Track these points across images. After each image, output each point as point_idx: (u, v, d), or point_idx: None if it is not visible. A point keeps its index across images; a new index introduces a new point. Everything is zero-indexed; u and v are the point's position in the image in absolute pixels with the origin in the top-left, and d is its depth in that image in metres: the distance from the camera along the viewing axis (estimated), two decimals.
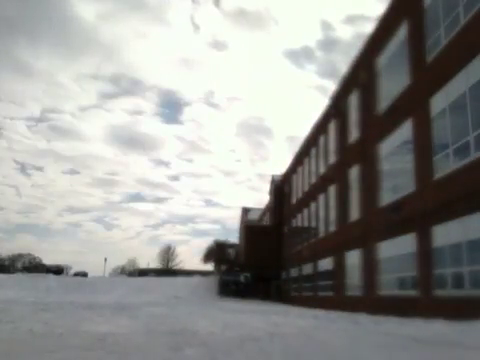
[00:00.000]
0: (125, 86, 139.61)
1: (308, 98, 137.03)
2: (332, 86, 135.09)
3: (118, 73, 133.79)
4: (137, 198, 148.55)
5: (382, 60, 18.00)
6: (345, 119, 22.58)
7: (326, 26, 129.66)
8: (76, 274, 50.10)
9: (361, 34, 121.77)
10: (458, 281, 11.54)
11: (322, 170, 26.78)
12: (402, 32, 15.94)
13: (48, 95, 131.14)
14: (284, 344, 6.28)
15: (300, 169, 33.62)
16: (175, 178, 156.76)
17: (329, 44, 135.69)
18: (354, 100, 21.41)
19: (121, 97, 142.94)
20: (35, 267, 78.13)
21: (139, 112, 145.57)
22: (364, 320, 11.97)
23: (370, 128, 18.77)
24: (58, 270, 49.51)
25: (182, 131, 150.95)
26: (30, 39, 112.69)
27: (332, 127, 25.06)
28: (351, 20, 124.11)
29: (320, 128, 28.09)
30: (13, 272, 61.25)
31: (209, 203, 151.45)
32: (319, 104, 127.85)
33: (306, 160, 31.69)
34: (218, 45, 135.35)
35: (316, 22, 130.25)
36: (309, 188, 30.16)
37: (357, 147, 20.34)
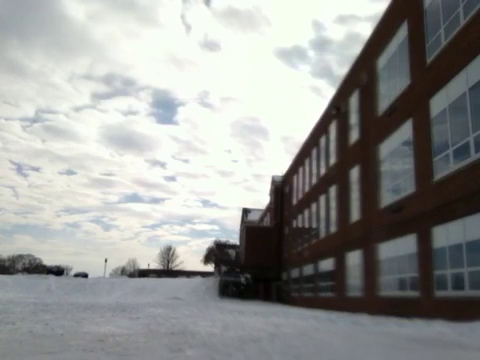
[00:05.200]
0: (118, 86, 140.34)
1: (302, 98, 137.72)
2: (326, 86, 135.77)
3: (111, 73, 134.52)
4: (134, 199, 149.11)
5: (382, 61, 18.01)
6: (346, 120, 22.59)
7: (318, 26, 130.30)
8: (76, 275, 50.02)
9: (353, 34, 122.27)
10: (458, 282, 11.53)
11: (323, 171, 26.79)
12: (402, 33, 15.96)
13: (42, 95, 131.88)
14: (284, 345, 6.28)
15: (301, 170, 33.63)
16: (171, 179, 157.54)
17: (321, 44, 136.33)
18: (354, 101, 21.43)
19: (114, 97, 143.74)
20: (35, 268, 78.18)
21: (133, 112, 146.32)
22: (364, 321, 11.97)
23: (370, 129, 18.77)
24: (58, 271, 49.51)
25: (177, 131, 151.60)
26: (22, 40, 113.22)
27: (333, 128, 25.08)
28: (343, 20, 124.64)
29: (321, 129, 28.11)
30: (13, 273, 61.25)
31: (206, 204, 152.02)
32: (313, 104, 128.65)
33: (307, 161, 31.70)
34: (210, 45, 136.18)
35: (308, 22, 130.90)
36: (310, 189, 30.16)
37: (357, 148, 20.35)
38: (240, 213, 61.07)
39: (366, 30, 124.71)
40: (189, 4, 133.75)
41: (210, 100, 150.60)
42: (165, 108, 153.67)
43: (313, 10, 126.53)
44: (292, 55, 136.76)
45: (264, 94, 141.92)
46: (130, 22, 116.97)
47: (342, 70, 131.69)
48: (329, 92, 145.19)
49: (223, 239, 64.51)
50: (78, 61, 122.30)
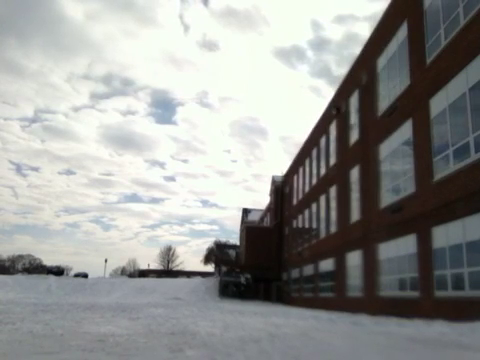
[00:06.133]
0: (117, 86, 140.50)
1: (301, 98, 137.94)
2: (324, 86, 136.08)
3: (109, 73, 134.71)
4: (133, 199, 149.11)
5: (382, 61, 18.02)
6: (346, 120, 22.60)
7: (316, 26, 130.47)
8: (76, 275, 50.02)
9: (352, 34, 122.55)
10: (458, 282, 11.53)
11: (323, 171, 26.79)
12: (402, 33, 15.96)
13: (41, 95, 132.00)
14: (284, 345, 6.29)
15: (301, 170, 33.64)
16: (171, 179, 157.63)
17: (320, 44, 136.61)
18: (354, 101, 21.43)
19: (113, 97, 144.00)
20: (35, 268, 78.17)
21: (132, 112, 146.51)
22: (365, 321, 11.98)
23: (370, 129, 18.78)
24: (58, 271, 49.50)
25: (176, 131, 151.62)
26: (21, 40, 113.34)
27: (333, 128, 25.08)
28: (341, 20, 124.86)
29: (321, 129, 28.12)
30: (13, 273, 61.25)
31: (206, 204, 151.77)
32: (312, 104, 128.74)
33: (307, 161, 31.70)
34: (209, 45, 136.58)
35: (306, 22, 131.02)
36: (310, 189, 30.16)
37: (357, 148, 20.35)
38: (239, 213, 61.34)
39: (364, 30, 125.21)
40: (187, 4, 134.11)
41: (209, 100, 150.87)
42: (164, 108, 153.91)
43: (311, 10, 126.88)
44: (291, 55, 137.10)
45: (263, 94, 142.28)
46: (128, 22, 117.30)
47: (341, 70, 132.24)
48: (328, 92, 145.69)
49: (223, 239, 64.68)
50: (77, 61, 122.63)
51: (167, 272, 75.67)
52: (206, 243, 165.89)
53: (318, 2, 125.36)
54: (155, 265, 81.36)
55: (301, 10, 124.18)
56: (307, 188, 31.07)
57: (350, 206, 20.96)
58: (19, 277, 41.87)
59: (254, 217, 58.65)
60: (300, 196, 33.29)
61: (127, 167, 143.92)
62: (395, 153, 16.42)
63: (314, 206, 28.30)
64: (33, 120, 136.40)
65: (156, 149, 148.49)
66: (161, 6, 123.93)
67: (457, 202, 11.59)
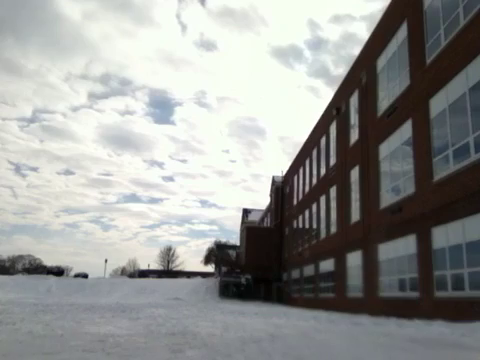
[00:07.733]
0: (115, 86, 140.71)
1: (299, 98, 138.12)
2: (322, 86, 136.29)
3: (107, 73, 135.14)
4: (133, 199, 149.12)
5: (382, 61, 18.03)
6: (346, 120, 22.60)
7: (314, 26, 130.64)
8: (76, 275, 50.09)
9: (349, 34, 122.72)
10: (458, 282, 11.53)
11: (323, 171, 26.80)
12: (402, 33, 15.97)
13: (39, 95, 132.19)
14: (285, 345, 6.29)
15: (301, 170, 33.64)
16: (169, 179, 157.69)
17: (317, 44, 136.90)
18: (354, 101, 21.44)
19: (111, 97, 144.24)
20: (35, 268, 78.16)
21: (130, 112, 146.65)
22: (365, 321, 11.97)
23: (370, 129, 18.78)
24: (59, 271, 49.53)
25: (174, 131, 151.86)
26: (19, 39, 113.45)
27: (333, 128, 25.09)
28: (338, 20, 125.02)
29: (321, 129, 28.12)
30: (14, 273, 61.25)
31: (205, 204, 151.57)
32: (310, 104, 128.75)
33: (307, 161, 31.71)
34: (207, 45, 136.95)
35: (303, 22, 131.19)
36: (310, 189, 30.17)
37: (357, 148, 20.35)
38: (239, 213, 61.65)
39: (362, 30, 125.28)
40: (185, 4, 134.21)
41: (207, 100, 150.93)
42: (162, 108, 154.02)
43: (309, 10, 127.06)
44: (288, 55, 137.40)
45: (261, 94, 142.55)
46: (126, 22, 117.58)
47: (338, 70, 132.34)
48: (326, 92, 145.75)
49: (222, 239, 64.70)
50: (74, 61, 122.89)
51: (167, 272, 75.69)
52: (206, 243, 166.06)
53: (315, 2, 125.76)
54: (155, 265, 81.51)
55: (298, 10, 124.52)
56: (307, 188, 31.07)
57: (350, 206, 20.96)
58: (19, 277, 41.90)
59: (254, 217, 58.67)
60: (300, 196, 33.29)
61: (126, 167, 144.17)
62: (395, 153, 16.42)
63: (314, 206, 28.30)
64: (31, 120, 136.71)
65: (154, 149, 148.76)
66: (158, 6, 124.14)
67: (457, 202, 11.59)
